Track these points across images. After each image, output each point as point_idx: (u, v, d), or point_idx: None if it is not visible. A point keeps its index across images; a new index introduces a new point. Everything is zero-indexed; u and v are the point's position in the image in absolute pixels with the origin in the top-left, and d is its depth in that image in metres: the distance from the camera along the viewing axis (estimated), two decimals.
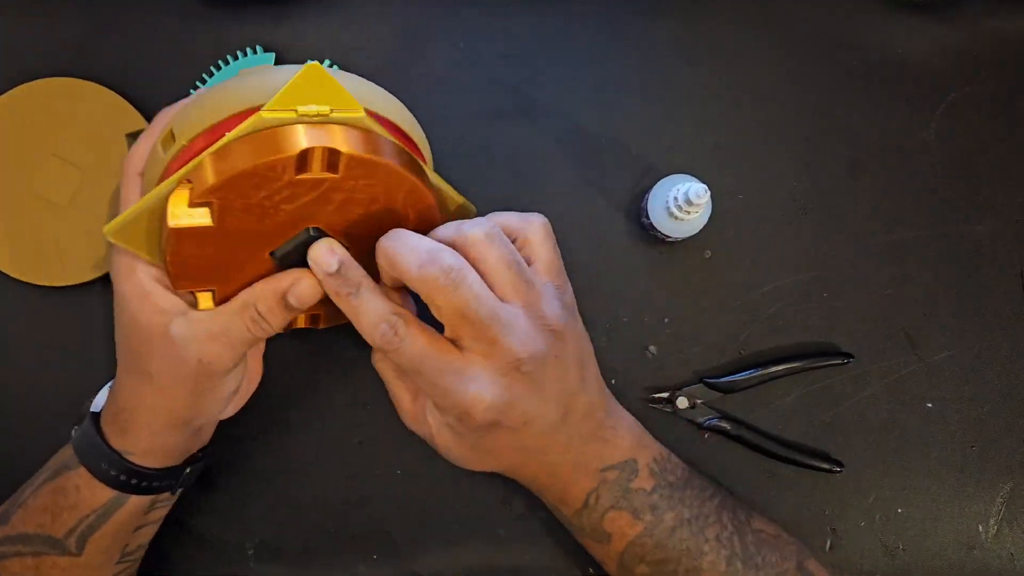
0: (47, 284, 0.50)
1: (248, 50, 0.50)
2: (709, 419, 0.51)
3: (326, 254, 0.37)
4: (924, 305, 0.52)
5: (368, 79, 0.42)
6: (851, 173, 0.53)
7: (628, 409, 0.52)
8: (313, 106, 0.34)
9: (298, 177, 0.34)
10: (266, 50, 0.51)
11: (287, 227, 0.37)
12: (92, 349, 0.51)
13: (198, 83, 0.51)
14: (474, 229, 0.38)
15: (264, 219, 0.36)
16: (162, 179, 0.37)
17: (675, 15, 0.53)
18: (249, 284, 0.39)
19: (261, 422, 0.51)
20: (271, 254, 0.38)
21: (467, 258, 0.37)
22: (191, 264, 0.37)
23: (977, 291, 0.52)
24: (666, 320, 0.52)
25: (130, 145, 0.50)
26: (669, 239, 0.49)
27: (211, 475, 0.51)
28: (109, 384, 0.44)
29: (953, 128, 0.53)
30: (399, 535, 0.52)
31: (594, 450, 0.42)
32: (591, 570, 0.52)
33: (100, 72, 0.51)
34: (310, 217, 0.37)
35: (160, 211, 0.36)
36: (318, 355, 0.50)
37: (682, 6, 0.53)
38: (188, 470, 0.44)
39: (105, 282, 0.52)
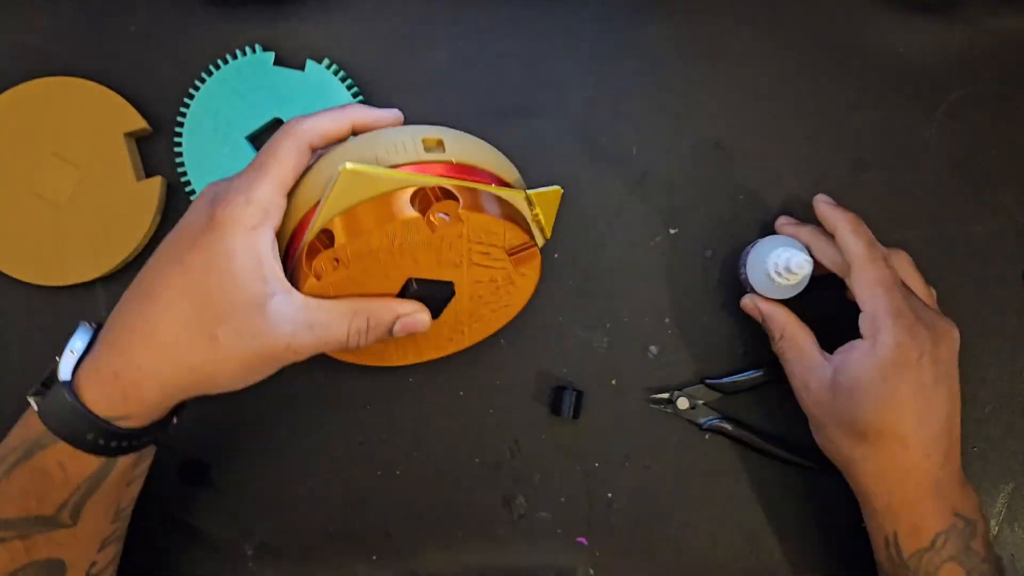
0: (47, 284, 0.50)
1: (248, 49, 0.50)
2: (710, 420, 0.51)
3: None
4: None
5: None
6: (852, 173, 0.52)
7: (629, 409, 0.52)
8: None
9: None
10: (265, 49, 0.51)
11: (418, 271, 0.40)
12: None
13: (197, 82, 0.51)
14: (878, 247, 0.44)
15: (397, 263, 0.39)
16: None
17: (675, 15, 0.53)
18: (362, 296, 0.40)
19: (261, 422, 0.51)
20: (405, 286, 0.41)
21: None
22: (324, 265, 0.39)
23: (977, 291, 0.52)
24: (667, 320, 0.52)
25: (129, 145, 0.50)
26: (763, 297, 0.49)
27: (211, 475, 0.51)
28: (72, 348, 0.39)
29: (954, 128, 0.53)
30: (399, 535, 0.52)
31: (957, 487, 0.43)
32: (591, 570, 0.52)
33: (100, 72, 0.51)
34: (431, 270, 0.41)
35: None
36: (318, 355, 0.50)
37: (682, 6, 0.53)
38: (175, 419, 0.40)
39: (105, 282, 0.52)
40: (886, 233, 0.52)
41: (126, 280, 0.51)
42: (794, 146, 0.52)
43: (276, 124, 0.51)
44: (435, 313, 0.42)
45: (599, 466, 0.52)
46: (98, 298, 0.52)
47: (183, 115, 0.50)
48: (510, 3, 0.53)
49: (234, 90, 0.50)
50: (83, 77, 0.50)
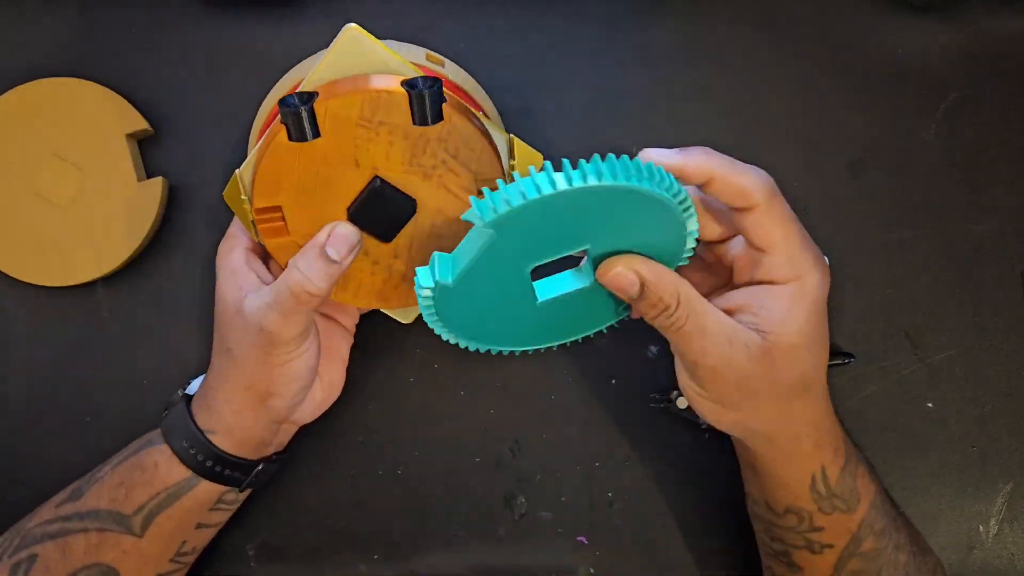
0: (47, 284, 0.50)
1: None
2: None
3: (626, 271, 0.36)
4: (924, 305, 0.52)
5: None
6: (851, 173, 0.53)
7: (629, 409, 0.52)
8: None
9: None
10: (265, 49, 0.51)
11: (387, 170, 0.39)
12: (93, 349, 0.51)
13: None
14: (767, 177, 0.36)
15: (345, 154, 0.38)
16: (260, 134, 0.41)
17: (675, 15, 0.53)
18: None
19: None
20: (347, 210, 0.39)
21: None
22: (275, 181, 0.38)
23: (977, 291, 0.52)
24: None
25: (131, 146, 0.50)
26: None
27: None
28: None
29: (953, 128, 0.53)
30: (399, 535, 0.52)
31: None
32: (591, 570, 0.52)
33: (101, 73, 0.51)
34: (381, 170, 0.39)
35: (264, 152, 0.38)
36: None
37: (682, 6, 0.53)
38: (260, 467, 0.45)
39: (105, 282, 0.52)
40: (886, 233, 0.52)
41: (127, 280, 0.52)
42: (794, 146, 0.53)
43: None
44: (391, 234, 0.40)
45: (599, 466, 0.52)
46: (99, 298, 0.52)
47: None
48: (510, 3, 0.53)
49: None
50: (84, 78, 0.50)
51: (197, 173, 0.52)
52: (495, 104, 0.52)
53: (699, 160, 0.35)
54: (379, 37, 0.39)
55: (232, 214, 0.44)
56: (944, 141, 0.53)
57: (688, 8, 0.53)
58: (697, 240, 0.38)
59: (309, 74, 0.38)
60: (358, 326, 0.49)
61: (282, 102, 0.36)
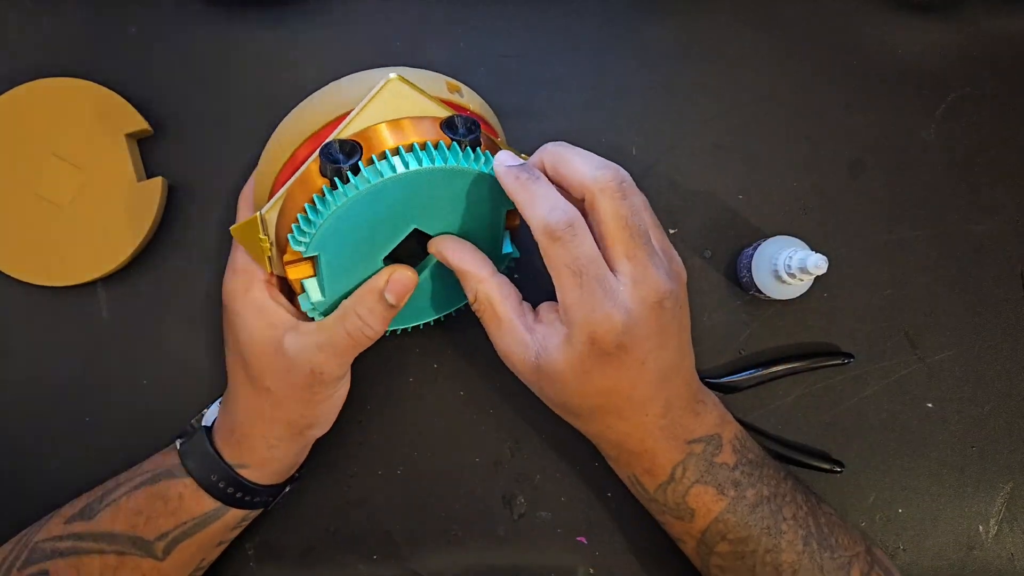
0: (47, 284, 0.50)
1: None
2: None
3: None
4: (924, 305, 0.52)
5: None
6: (851, 173, 0.53)
7: None
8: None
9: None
10: (265, 49, 0.51)
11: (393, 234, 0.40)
12: (93, 349, 0.52)
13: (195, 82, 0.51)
14: (618, 170, 0.38)
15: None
16: (274, 190, 0.40)
17: (675, 15, 0.53)
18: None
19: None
20: (384, 260, 0.41)
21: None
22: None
23: (977, 291, 0.52)
24: None
25: (130, 146, 0.50)
26: (765, 298, 0.49)
27: None
28: (219, 400, 0.47)
29: (953, 128, 0.53)
30: (399, 535, 0.52)
31: (686, 420, 0.42)
32: (591, 570, 0.52)
33: (101, 73, 0.51)
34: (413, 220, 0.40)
35: (284, 204, 0.39)
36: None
37: (682, 6, 0.53)
38: (287, 489, 0.46)
39: (106, 282, 0.52)
40: (885, 233, 0.52)
41: (127, 280, 0.52)
42: (793, 146, 0.53)
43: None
44: (418, 267, 0.43)
45: (599, 466, 0.52)
46: (98, 298, 0.52)
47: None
48: (510, 3, 0.53)
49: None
50: (84, 78, 0.50)
51: (197, 173, 0.52)
52: (495, 103, 0.52)
53: (541, 157, 0.39)
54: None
55: (228, 244, 0.44)
56: (944, 141, 0.53)
57: (688, 7, 0.53)
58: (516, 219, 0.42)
59: (347, 119, 0.38)
60: None
61: (324, 154, 0.36)
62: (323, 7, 0.53)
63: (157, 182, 0.50)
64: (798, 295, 0.48)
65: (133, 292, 0.52)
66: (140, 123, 0.50)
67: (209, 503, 0.43)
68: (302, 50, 0.52)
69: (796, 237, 0.48)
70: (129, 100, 0.50)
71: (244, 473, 0.43)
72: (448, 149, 0.37)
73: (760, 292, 0.48)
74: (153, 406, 0.51)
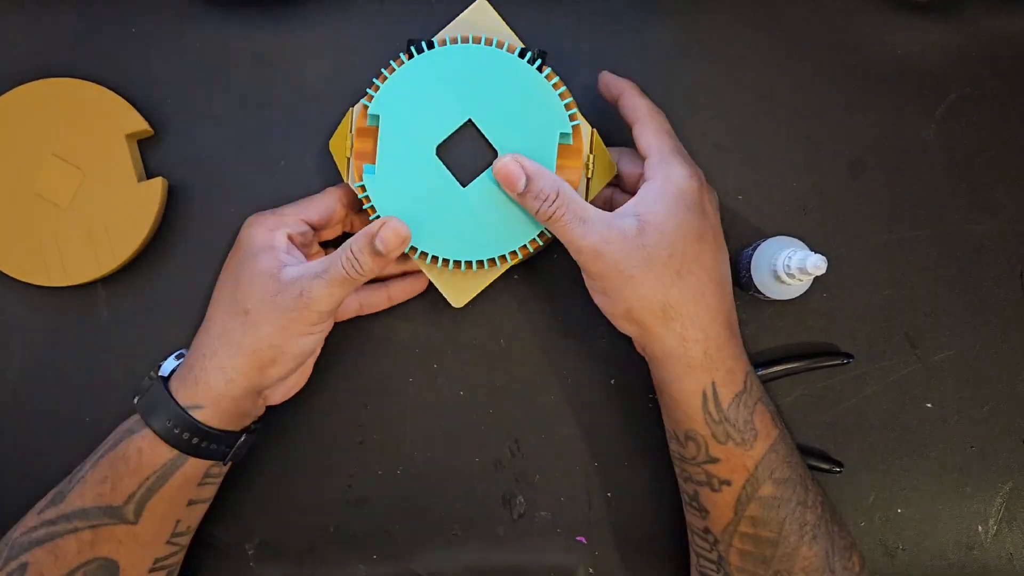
0: (47, 284, 0.50)
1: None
2: None
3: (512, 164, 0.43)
4: (924, 305, 0.52)
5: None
6: (851, 173, 0.53)
7: (629, 409, 0.52)
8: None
9: None
10: (265, 49, 0.51)
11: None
12: (93, 349, 0.52)
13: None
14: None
15: None
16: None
17: (675, 15, 0.53)
18: None
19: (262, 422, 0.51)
20: (437, 152, 0.44)
21: None
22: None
23: (977, 291, 0.52)
24: None
25: (131, 146, 0.50)
26: (764, 298, 0.49)
27: None
28: (176, 353, 0.49)
29: (953, 128, 0.53)
30: (399, 535, 0.52)
31: (738, 331, 0.44)
32: (591, 570, 0.52)
33: (101, 73, 0.51)
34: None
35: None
36: (319, 355, 0.50)
37: (682, 6, 0.53)
38: (242, 438, 0.45)
39: (106, 282, 0.52)
40: (885, 233, 0.52)
41: (127, 280, 0.52)
42: (794, 146, 0.53)
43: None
44: (468, 179, 0.45)
45: (599, 466, 0.52)
46: (99, 298, 0.52)
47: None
48: (511, 3, 0.53)
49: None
50: (84, 78, 0.50)
51: (197, 173, 0.52)
52: None
53: (619, 84, 0.47)
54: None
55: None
56: (944, 141, 0.53)
57: (688, 7, 0.53)
58: (571, 127, 0.45)
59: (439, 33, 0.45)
60: (359, 327, 0.49)
61: (411, 40, 0.44)
62: (323, 7, 0.53)
63: (157, 182, 0.50)
64: (798, 295, 0.48)
65: (133, 292, 0.52)
66: (140, 123, 0.50)
67: (166, 452, 0.43)
68: (302, 50, 0.52)
69: (796, 237, 0.48)
70: (129, 100, 0.50)
71: (197, 415, 0.43)
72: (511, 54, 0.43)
73: (760, 292, 0.48)
74: None
